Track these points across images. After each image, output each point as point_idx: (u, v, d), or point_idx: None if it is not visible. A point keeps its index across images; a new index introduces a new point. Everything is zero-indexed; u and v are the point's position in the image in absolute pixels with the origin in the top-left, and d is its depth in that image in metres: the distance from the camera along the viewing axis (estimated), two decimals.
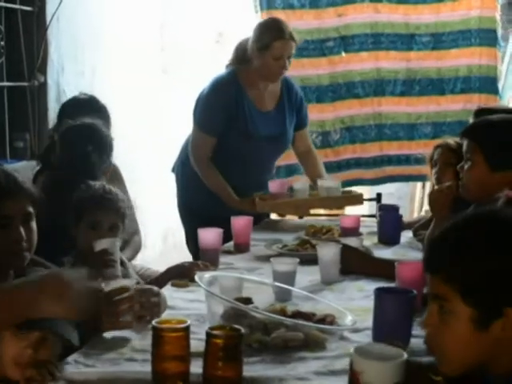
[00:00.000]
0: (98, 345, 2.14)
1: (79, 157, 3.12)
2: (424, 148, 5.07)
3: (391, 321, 2.14)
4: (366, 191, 5.48)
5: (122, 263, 2.86)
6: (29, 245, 2.21)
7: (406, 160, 5.23)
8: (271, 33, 3.74)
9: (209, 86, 3.89)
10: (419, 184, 6.51)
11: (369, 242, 3.43)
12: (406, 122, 5.20)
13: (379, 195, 4.57)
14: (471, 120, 3.32)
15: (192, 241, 3.85)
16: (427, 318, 1.51)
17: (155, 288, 2.30)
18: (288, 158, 4.81)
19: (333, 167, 5.18)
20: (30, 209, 2.21)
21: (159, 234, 5.92)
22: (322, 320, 2.23)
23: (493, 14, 4.89)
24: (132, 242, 3.52)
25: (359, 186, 5.36)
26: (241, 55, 3.88)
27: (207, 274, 2.33)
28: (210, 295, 2.18)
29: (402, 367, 1.58)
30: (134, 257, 3.54)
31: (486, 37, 4.94)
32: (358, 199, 3.85)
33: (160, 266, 3.39)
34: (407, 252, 3.30)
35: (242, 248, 3.30)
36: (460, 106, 5.09)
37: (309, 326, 2.13)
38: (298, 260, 2.66)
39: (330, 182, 3.85)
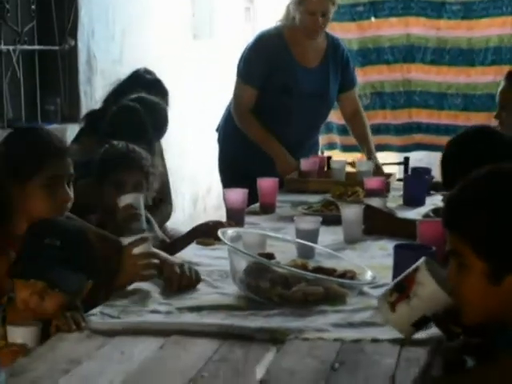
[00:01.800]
0: (122, 298, 2.19)
1: (139, 131, 3.19)
2: (454, 119, 5.07)
3: None
4: (396, 156, 5.47)
5: (148, 221, 2.91)
6: (70, 204, 2.26)
7: (435, 129, 5.17)
8: None
9: (253, 39, 3.97)
10: None
11: (394, 203, 3.44)
12: (436, 90, 5.14)
13: (407, 159, 4.56)
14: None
15: None
16: (449, 273, 1.56)
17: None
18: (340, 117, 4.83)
19: None
20: (73, 170, 2.26)
21: (190, 198, 5.96)
22: (343, 275, 2.25)
23: None
24: (160, 210, 3.55)
25: (387, 152, 5.36)
26: (287, 12, 3.92)
27: (230, 230, 2.36)
28: (233, 250, 2.22)
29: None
30: (161, 226, 3.58)
31: None
32: None
33: None
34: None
35: (267, 209, 3.32)
36: (490, 78, 4.96)
37: (329, 281, 2.16)
38: (320, 218, 2.68)
39: (365, 165, 3.92)
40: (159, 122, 3.47)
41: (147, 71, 3.76)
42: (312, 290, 2.13)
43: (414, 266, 1.71)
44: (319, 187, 3.73)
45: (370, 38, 5.16)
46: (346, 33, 5.13)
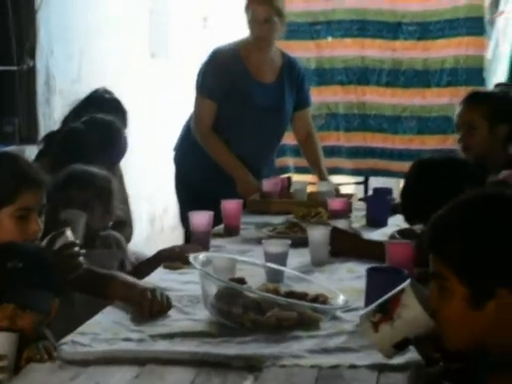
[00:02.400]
0: (93, 325, 2.15)
1: (82, 153, 3.16)
2: (408, 143, 5.05)
3: None
4: (348, 180, 5.47)
5: (118, 243, 2.88)
6: (40, 234, 2.21)
7: (389, 154, 5.13)
8: None
9: (209, 54, 3.98)
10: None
11: (357, 224, 3.44)
12: (390, 113, 5.11)
13: (367, 179, 4.58)
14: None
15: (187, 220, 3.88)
16: (431, 295, 1.56)
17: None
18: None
19: None
20: (45, 200, 2.22)
21: (147, 219, 5.92)
22: (315, 299, 2.24)
23: (480, 1, 4.79)
24: (121, 233, 3.51)
25: (339, 175, 5.33)
26: None
27: (201, 255, 2.33)
28: (205, 276, 2.19)
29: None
30: None
31: (474, 25, 4.82)
32: None
33: (147, 251, 3.41)
34: None
35: (232, 231, 3.30)
36: (446, 99, 4.96)
37: (302, 306, 2.15)
38: (289, 241, 2.67)
39: (326, 186, 3.91)
40: (111, 142, 3.45)
41: (106, 91, 3.74)
42: (286, 315, 2.12)
43: (399, 288, 1.71)
44: (281, 208, 3.72)
45: (327, 57, 5.18)
46: (305, 51, 5.16)
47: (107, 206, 2.83)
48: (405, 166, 4.99)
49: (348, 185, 4.77)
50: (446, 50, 4.95)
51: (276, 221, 3.53)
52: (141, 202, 5.42)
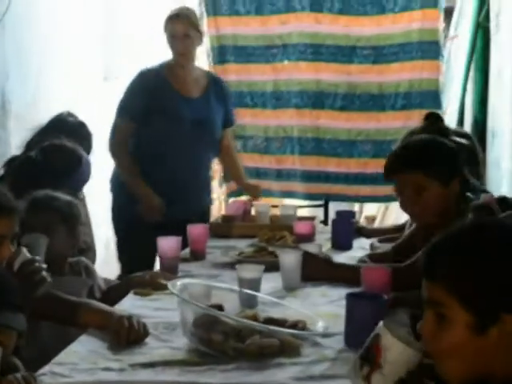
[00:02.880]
0: (70, 354, 2.10)
1: (37, 181, 3.09)
2: (364, 167, 5.03)
3: (364, 326, 2.13)
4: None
5: (87, 268, 2.82)
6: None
7: (344, 179, 5.10)
8: (168, 15, 3.96)
9: (134, 76, 4.00)
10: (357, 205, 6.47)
11: (323, 248, 3.43)
12: (345, 138, 5.08)
13: (327, 201, 4.58)
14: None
15: (125, 252, 3.98)
16: (424, 325, 1.50)
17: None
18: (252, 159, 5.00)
19: (273, 175, 5.17)
20: (17, 227, 2.17)
21: (102, 242, 5.82)
22: (294, 326, 2.22)
23: (435, 25, 4.78)
24: (86, 257, 3.46)
25: (293, 199, 5.32)
26: None
27: (179, 282, 2.29)
28: (184, 303, 2.15)
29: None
30: None
31: (428, 49, 4.82)
32: None
33: (103, 274, 3.35)
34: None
35: (198, 255, 3.27)
36: (400, 123, 4.94)
37: (284, 332, 2.12)
38: (263, 267, 2.64)
39: (289, 209, 3.93)
40: (73, 169, 3.41)
41: (70, 114, 3.68)
42: (267, 342, 2.09)
43: (374, 333, 1.65)
44: (245, 232, 3.70)
45: (284, 80, 5.15)
46: (262, 74, 5.16)
47: (71, 231, 2.77)
48: (360, 189, 5.05)
49: (306, 207, 4.75)
50: (400, 74, 4.95)
51: (240, 244, 3.51)
52: (97, 225, 5.34)
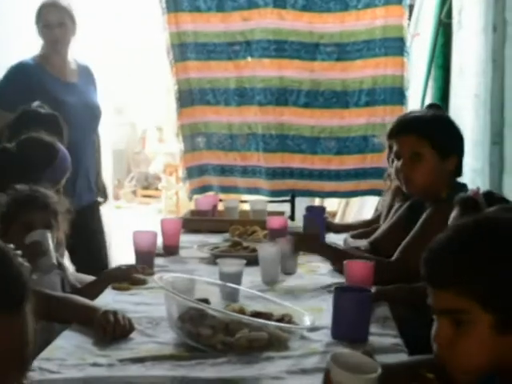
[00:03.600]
0: (56, 350, 2.05)
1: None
2: (327, 164, 5.00)
3: (352, 319, 2.14)
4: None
5: (60, 265, 2.77)
6: None
7: (308, 174, 5.07)
8: (40, 5, 3.98)
9: (9, 68, 3.99)
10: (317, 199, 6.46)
11: None
12: (309, 135, 5.03)
13: (293, 196, 4.56)
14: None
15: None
16: (438, 335, 1.46)
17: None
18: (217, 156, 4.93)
19: (239, 172, 5.11)
20: None
21: None
22: (281, 319, 2.20)
23: (399, 22, 4.76)
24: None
25: (259, 196, 5.28)
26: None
27: (166, 276, 2.26)
28: (171, 297, 2.12)
29: (377, 380, 1.56)
30: None
31: (392, 46, 4.79)
32: None
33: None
34: None
35: (172, 250, 3.24)
36: (364, 120, 4.94)
37: (272, 326, 2.11)
38: (244, 261, 2.62)
39: (259, 204, 3.95)
40: (51, 162, 3.34)
41: (40, 105, 3.58)
42: (256, 336, 2.07)
43: (325, 369, 1.57)
44: (215, 227, 3.68)
45: (247, 77, 5.07)
46: (224, 71, 5.06)
47: (58, 226, 2.73)
48: (324, 185, 5.05)
49: (273, 202, 4.74)
50: (363, 71, 4.91)
51: (212, 240, 3.49)
52: None
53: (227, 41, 5.07)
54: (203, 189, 5.06)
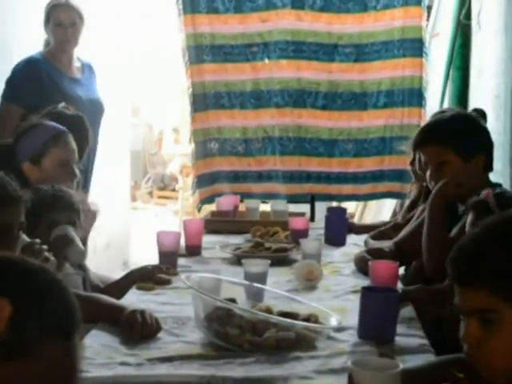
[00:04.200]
0: (85, 350, 2.05)
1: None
2: (345, 167, 4.93)
3: (379, 319, 2.14)
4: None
5: (81, 265, 2.78)
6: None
7: (326, 178, 4.97)
8: (48, 5, 4.08)
9: (18, 64, 4.04)
10: None
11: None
12: (326, 137, 4.95)
13: (313, 197, 4.54)
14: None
15: None
16: (468, 335, 1.45)
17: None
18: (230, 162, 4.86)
19: (254, 177, 4.97)
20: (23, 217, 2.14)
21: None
22: (307, 319, 2.20)
23: (418, 23, 4.73)
24: None
25: (274, 200, 5.20)
26: (46, 41, 4.17)
27: (193, 276, 2.26)
28: (198, 297, 2.13)
29: (399, 377, 1.58)
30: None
31: (411, 47, 4.76)
32: None
33: None
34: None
35: (194, 251, 3.24)
36: (382, 121, 4.87)
37: (300, 326, 2.11)
38: (269, 261, 2.63)
39: (280, 205, 3.95)
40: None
41: (65, 107, 3.57)
42: (284, 335, 2.07)
43: (347, 375, 1.62)
44: (237, 228, 3.68)
45: (264, 79, 4.99)
46: (241, 74, 4.98)
47: (80, 225, 2.74)
48: (342, 188, 5.00)
49: (291, 203, 4.71)
50: (382, 72, 4.88)
51: (233, 241, 3.50)
52: None
53: (245, 42, 4.98)
54: (214, 198, 4.78)
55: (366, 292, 2.17)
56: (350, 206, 6.71)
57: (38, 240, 2.21)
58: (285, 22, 5.02)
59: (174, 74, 9.87)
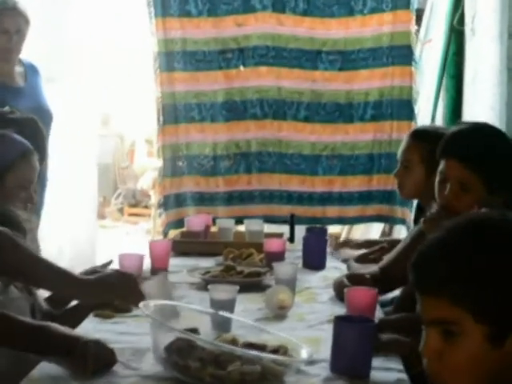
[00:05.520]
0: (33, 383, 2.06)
1: None
2: (329, 186, 4.90)
3: (352, 352, 2.14)
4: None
5: (29, 290, 2.77)
6: None
7: (308, 198, 4.94)
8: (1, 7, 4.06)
9: None
10: None
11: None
12: (309, 152, 4.91)
13: (292, 216, 4.54)
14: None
15: None
16: (427, 346, 1.44)
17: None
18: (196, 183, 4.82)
19: (222, 199, 4.92)
20: None
21: None
22: (276, 351, 2.20)
23: (407, 28, 4.74)
24: None
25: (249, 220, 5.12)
26: None
27: (153, 303, 2.26)
28: (157, 326, 2.13)
29: None
30: None
31: (400, 54, 4.76)
32: None
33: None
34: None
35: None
36: (370, 136, 4.86)
37: (267, 359, 2.11)
38: (237, 287, 2.63)
39: (255, 225, 3.92)
40: None
41: (11, 111, 3.57)
42: (249, 369, 2.07)
43: None
44: (208, 249, 3.68)
45: (238, 89, 4.94)
46: (213, 83, 4.92)
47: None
48: (325, 210, 4.96)
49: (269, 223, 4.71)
50: (369, 82, 4.83)
51: (203, 263, 3.50)
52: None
53: (218, 48, 4.93)
54: (180, 223, 4.69)
55: (339, 322, 2.17)
56: (336, 226, 6.71)
57: None
58: (265, 26, 4.97)
59: (147, 81, 9.86)
